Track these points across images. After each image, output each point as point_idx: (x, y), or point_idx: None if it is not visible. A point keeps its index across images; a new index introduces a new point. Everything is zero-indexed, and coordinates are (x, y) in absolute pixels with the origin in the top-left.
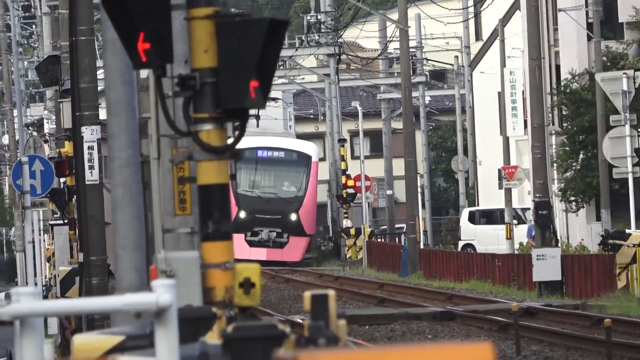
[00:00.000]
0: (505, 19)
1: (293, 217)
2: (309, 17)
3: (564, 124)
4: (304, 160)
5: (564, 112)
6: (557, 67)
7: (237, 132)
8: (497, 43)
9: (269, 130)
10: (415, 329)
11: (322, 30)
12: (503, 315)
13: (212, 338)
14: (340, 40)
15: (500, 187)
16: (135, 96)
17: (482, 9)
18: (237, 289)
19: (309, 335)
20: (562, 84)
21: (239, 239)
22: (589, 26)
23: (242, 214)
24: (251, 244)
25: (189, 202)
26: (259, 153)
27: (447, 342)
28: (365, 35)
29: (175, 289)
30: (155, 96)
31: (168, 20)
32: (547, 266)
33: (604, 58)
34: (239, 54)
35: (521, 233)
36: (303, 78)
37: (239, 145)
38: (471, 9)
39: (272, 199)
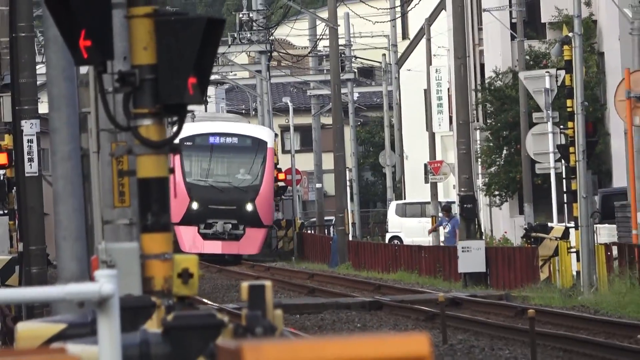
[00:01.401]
0: (431, 19)
1: (249, 207)
2: (241, 15)
3: (488, 121)
4: (259, 146)
5: (488, 109)
6: (482, 66)
7: (175, 127)
8: (423, 42)
9: (221, 115)
10: (344, 318)
11: (254, 28)
12: (430, 305)
13: (152, 326)
14: (271, 38)
15: (426, 181)
16: (76, 91)
17: (409, 8)
18: (175, 279)
19: (247, 325)
20: (486, 81)
21: (191, 231)
22: (513, 26)
23: (194, 205)
24: (205, 236)
25: (127, 195)
26: (211, 139)
27: (377, 332)
28: (295, 33)
29: (117, 279)
30: (95, 91)
31: (109, 18)
32: (471, 258)
33: (527, 57)
34: (177, 52)
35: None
36: (235, 74)
37: (189, 133)
38: (398, 9)
39: (226, 189)
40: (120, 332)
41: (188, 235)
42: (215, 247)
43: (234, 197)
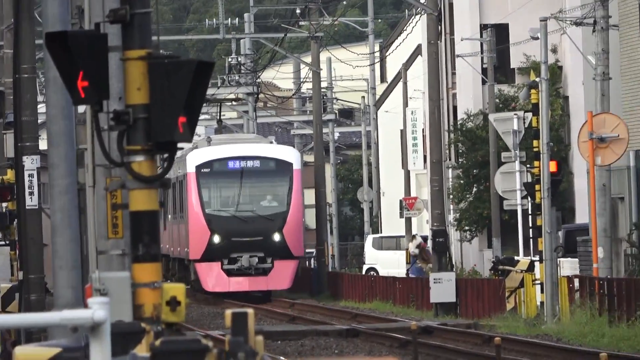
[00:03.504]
0: (407, 64)
1: (277, 237)
2: (230, 59)
3: (460, 160)
4: (285, 169)
5: (459, 149)
6: (454, 108)
7: (165, 163)
8: (400, 85)
9: (239, 136)
10: (323, 344)
11: (242, 71)
12: (403, 333)
13: (142, 351)
14: (258, 80)
15: (401, 216)
16: (74, 129)
17: (387, 54)
18: (164, 306)
19: (230, 350)
20: (458, 123)
21: (214, 268)
22: (484, 71)
23: (216, 239)
24: (229, 273)
25: (120, 227)
26: (230, 164)
27: (353, 357)
28: (281, 76)
29: (109, 306)
30: (91, 129)
31: (105, 60)
32: (443, 289)
33: (497, 100)
34: (169, 92)
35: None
36: (224, 114)
37: (206, 158)
38: (377, 54)
39: (250, 218)
40: (111, 356)
41: (210, 273)
42: (241, 284)
43: (259, 227)
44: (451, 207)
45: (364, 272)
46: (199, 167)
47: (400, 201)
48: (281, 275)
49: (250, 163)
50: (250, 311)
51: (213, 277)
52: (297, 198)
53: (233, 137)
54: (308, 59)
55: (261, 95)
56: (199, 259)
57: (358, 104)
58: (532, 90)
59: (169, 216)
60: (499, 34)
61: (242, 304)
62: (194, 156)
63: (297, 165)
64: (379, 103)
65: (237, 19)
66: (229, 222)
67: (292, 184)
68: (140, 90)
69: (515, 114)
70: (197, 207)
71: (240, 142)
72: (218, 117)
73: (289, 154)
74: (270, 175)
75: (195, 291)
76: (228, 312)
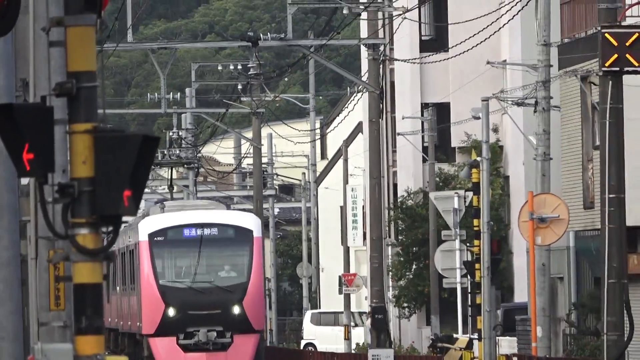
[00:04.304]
0: (348, 141)
1: (236, 310)
2: (171, 133)
3: (400, 237)
4: (244, 236)
5: (399, 226)
6: (395, 186)
7: (110, 236)
8: (340, 162)
9: (194, 202)
10: None
11: (183, 146)
12: None
13: None
14: (198, 154)
15: (340, 292)
16: (17, 201)
17: (327, 130)
18: None
19: None
20: (398, 200)
21: (169, 343)
22: (425, 149)
23: (171, 312)
24: (185, 348)
25: (62, 299)
26: (186, 232)
27: None
28: (221, 151)
29: None
30: (35, 201)
31: (51, 133)
32: None
33: (437, 178)
34: (114, 166)
35: (358, 334)
36: (164, 188)
37: (160, 226)
38: (318, 131)
39: (208, 290)
40: None
41: (165, 348)
42: None
43: (217, 299)
44: (390, 284)
45: (302, 348)
46: (152, 235)
47: (340, 277)
48: (241, 350)
49: (207, 231)
50: None
51: (168, 352)
52: (258, 267)
53: (188, 204)
54: (249, 134)
55: (201, 170)
56: (152, 333)
57: (298, 180)
58: (473, 169)
59: (117, 288)
60: (440, 112)
61: None
62: (147, 224)
63: (257, 233)
64: (319, 179)
65: (178, 93)
66: (184, 293)
67: (253, 252)
68: (85, 163)
69: (455, 193)
70: (150, 277)
71: (196, 208)
72: (169, 182)
73: (249, 220)
74: (229, 243)
75: None
76: None
